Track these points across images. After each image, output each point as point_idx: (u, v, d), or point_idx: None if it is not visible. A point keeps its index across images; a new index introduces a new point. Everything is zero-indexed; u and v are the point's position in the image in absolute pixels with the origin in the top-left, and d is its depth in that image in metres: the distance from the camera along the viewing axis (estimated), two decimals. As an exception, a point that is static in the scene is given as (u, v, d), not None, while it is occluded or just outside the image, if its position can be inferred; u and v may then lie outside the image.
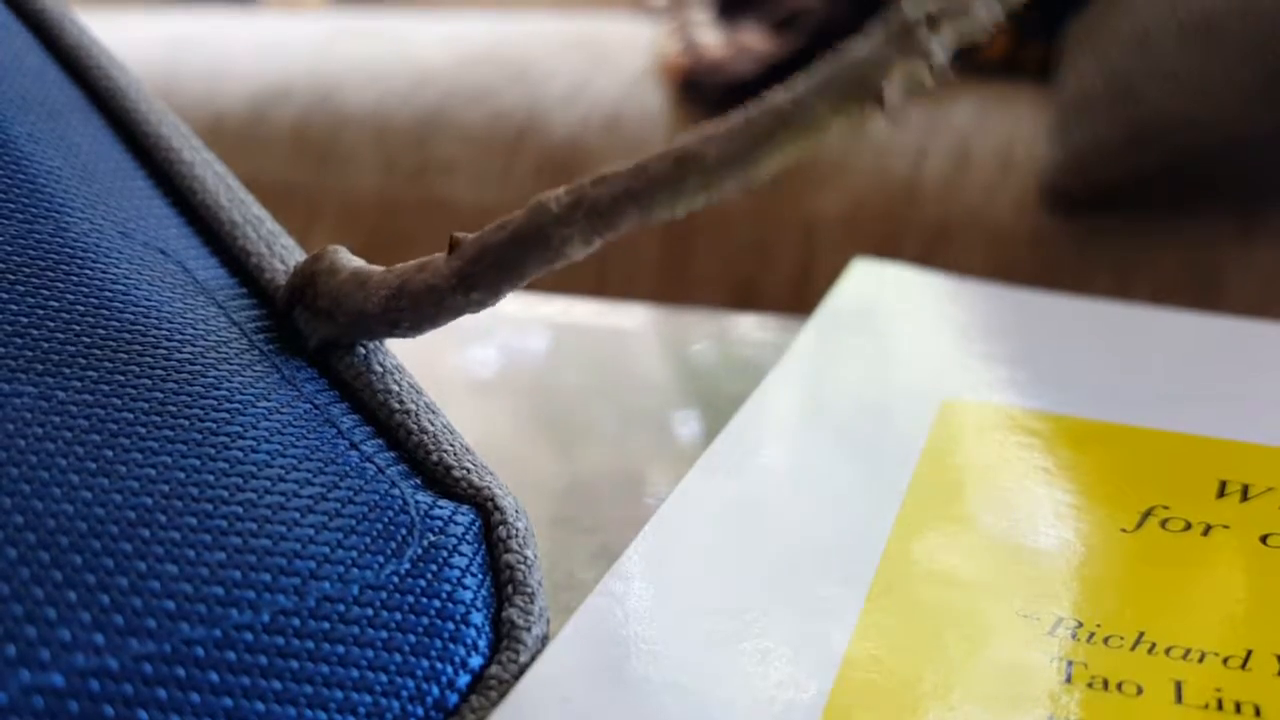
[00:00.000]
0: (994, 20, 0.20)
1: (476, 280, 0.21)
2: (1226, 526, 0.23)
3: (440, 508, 0.21)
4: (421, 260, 0.22)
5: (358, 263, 0.23)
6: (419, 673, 0.19)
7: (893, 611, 0.21)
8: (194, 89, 1.05)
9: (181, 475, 0.19)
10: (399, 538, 0.20)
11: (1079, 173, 0.87)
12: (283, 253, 0.25)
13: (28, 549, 0.17)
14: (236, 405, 0.21)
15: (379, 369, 0.23)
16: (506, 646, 0.20)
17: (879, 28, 0.19)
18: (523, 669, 0.20)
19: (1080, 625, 0.21)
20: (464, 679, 0.20)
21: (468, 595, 0.20)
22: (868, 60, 0.19)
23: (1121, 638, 0.20)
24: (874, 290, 0.34)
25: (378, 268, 0.22)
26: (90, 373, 0.20)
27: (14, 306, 0.21)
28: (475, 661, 0.20)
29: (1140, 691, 0.19)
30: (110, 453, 0.19)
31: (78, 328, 0.21)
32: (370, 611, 0.19)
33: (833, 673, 0.19)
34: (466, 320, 0.22)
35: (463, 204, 0.96)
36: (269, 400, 0.22)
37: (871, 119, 0.19)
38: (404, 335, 0.22)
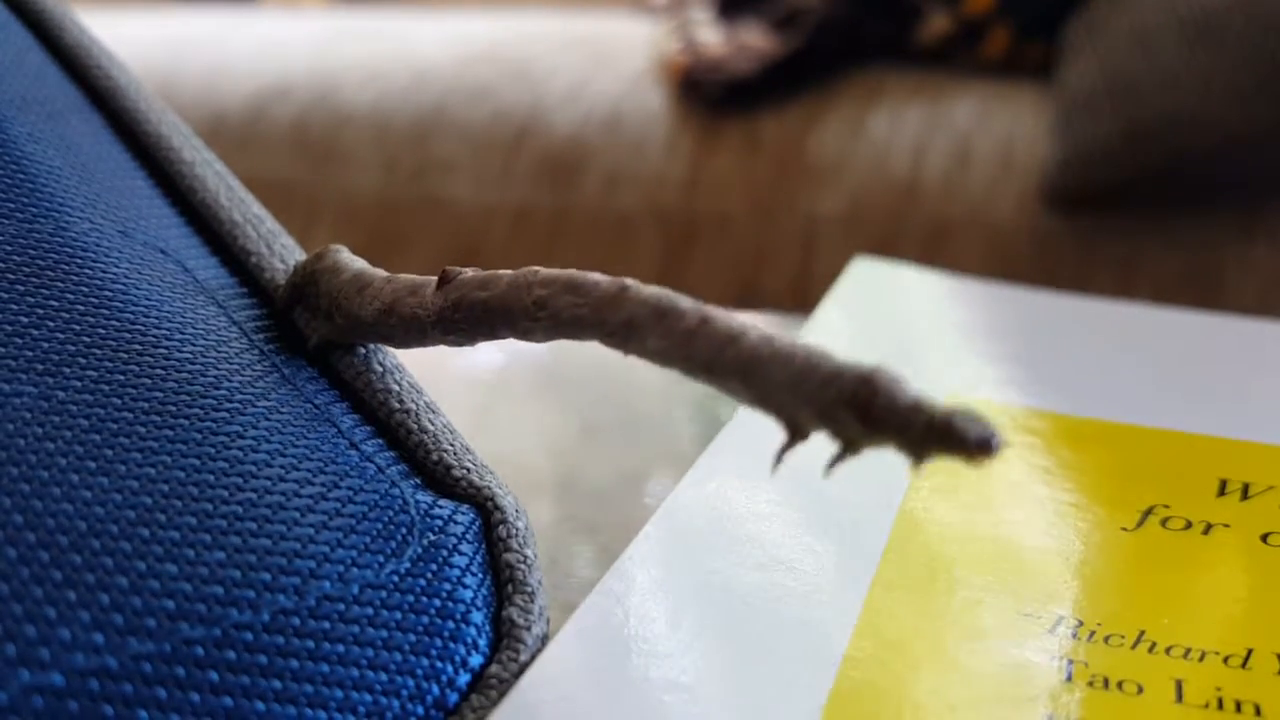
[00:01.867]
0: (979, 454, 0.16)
1: (453, 327, 0.21)
2: (1227, 525, 0.23)
3: (440, 507, 0.21)
4: (416, 282, 0.22)
5: (360, 263, 0.23)
6: (419, 671, 0.19)
7: (893, 611, 0.21)
8: (194, 88, 1.05)
9: (181, 475, 0.19)
10: (399, 537, 0.20)
11: (1079, 172, 0.87)
12: (283, 252, 0.25)
13: (27, 548, 0.17)
14: (236, 405, 0.21)
15: (379, 369, 0.23)
16: (506, 645, 0.20)
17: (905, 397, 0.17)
18: (523, 668, 0.20)
19: (1081, 624, 0.21)
20: (464, 678, 0.20)
21: (468, 594, 0.20)
22: (839, 397, 0.18)
23: (1122, 637, 0.20)
24: (874, 290, 0.34)
25: (380, 272, 0.22)
26: (90, 372, 0.20)
27: (14, 306, 0.21)
28: (475, 660, 0.20)
29: (1141, 690, 0.19)
30: (110, 452, 0.19)
31: (78, 327, 0.21)
32: (370, 611, 0.19)
33: (833, 672, 0.19)
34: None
35: (463, 203, 0.95)
36: (269, 400, 0.22)
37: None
38: (396, 347, 0.23)
